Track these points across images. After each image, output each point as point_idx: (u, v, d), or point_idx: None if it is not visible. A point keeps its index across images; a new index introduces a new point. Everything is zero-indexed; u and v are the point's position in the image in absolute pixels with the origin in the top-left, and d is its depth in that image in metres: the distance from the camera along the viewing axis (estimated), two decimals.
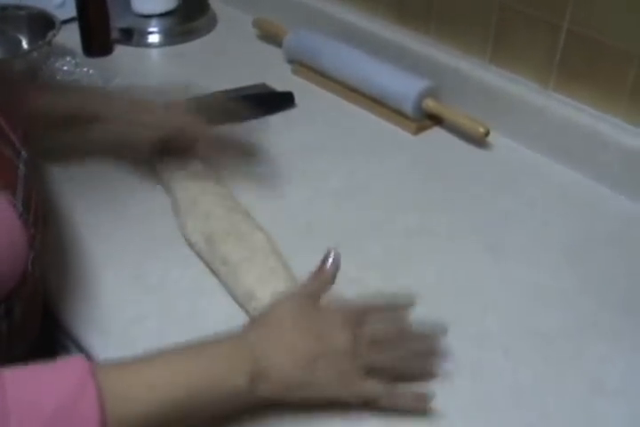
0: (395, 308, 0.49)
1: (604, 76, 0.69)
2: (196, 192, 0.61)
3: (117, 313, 0.53)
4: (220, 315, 0.53)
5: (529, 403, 0.49)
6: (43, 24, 0.81)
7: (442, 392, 0.48)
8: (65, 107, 0.60)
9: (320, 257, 0.57)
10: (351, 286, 0.55)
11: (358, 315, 0.47)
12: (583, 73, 0.70)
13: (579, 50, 0.69)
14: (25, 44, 0.82)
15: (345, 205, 0.65)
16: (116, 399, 0.37)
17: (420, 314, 0.54)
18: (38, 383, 0.36)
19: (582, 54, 0.69)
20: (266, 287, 0.52)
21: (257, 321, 0.47)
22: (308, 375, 0.43)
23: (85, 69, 0.78)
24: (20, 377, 0.36)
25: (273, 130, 0.74)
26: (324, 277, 0.49)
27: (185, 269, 0.57)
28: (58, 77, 0.76)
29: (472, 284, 0.58)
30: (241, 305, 0.54)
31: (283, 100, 0.77)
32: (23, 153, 0.47)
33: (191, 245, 0.58)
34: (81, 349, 0.54)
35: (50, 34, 0.79)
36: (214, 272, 0.56)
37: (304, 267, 0.55)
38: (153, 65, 0.89)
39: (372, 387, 0.45)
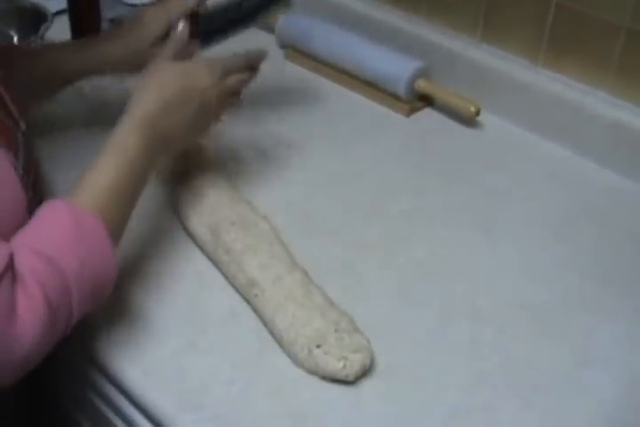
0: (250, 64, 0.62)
1: (591, 51, 0.69)
2: (199, 185, 0.61)
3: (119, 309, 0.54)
4: (221, 307, 0.55)
5: (520, 376, 0.51)
6: (33, 17, 0.81)
7: (436, 367, 0.51)
8: (67, 63, 0.64)
9: (317, 242, 0.60)
10: (348, 270, 0.58)
11: (222, 71, 0.59)
12: (571, 48, 0.71)
13: (567, 25, 0.70)
14: (15, 39, 0.82)
15: (340, 188, 0.67)
16: (99, 209, 0.47)
17: (415, 291, 0.57)
18: (43, 231, 0.45)
19: (571, 29, 0.70)
20: (267, 274, 0.54)
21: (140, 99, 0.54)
22: (193, 134, 0.57)
23: None
24: (29, 235, 0.44)
25: (267, 116, 0.75)
26: (176, 37, 0.62)
27: (186, 264, 0.59)
28: None
29: (465, 261, 0.60)
30: (242, 294, 0.55)
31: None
32: (22, 124, 0.51)
33: (195, 238, 0.60)
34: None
35: (43, 27, 0.79)
36: (217, 264, 0.57)
37: (300, 250, 0.57)
38: None
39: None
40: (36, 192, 0.50)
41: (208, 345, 0.52)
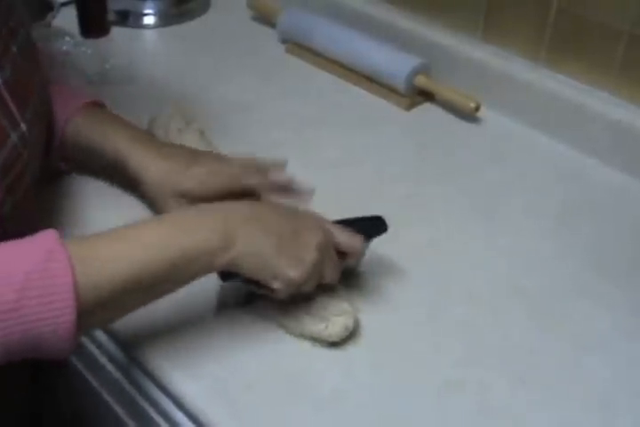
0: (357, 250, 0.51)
1: (593, 52, 0.70)
2: None
3: None
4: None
5: (517, 360, 0.50)
6: (40, 7, 0.82)
7: (431, 344, 0.51)
8: (89, 139, 0.57)
9: None
10: None
11: (332, 243, 0.49)
12: (573, 48, 0.71)
13: (569, 26, 0.70)
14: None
15: (340, 178, 0.67)
16: (87, 262, 0.39)
17: (412, 273, 0.57)
18: (8, 255, 0.37)
19: (572, 30, 0.70)
20: None
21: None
22: (276, 250, 0.45)
23: (84, 49, 0.79)
24: None
25: (267, 107, 0.76)
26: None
27: None
28: (57, 54, 0.77)
29: (462, 248, 0.60)
30: None
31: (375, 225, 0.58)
32: (23, 126, 0.46)
33: None
34: None
35: (49, 15, 0.80)
36: None
37: None
38: (148, 46, 0.91)
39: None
40: (13, 193, 0.44)
41: (202, 308, 0.52)
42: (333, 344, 0.50)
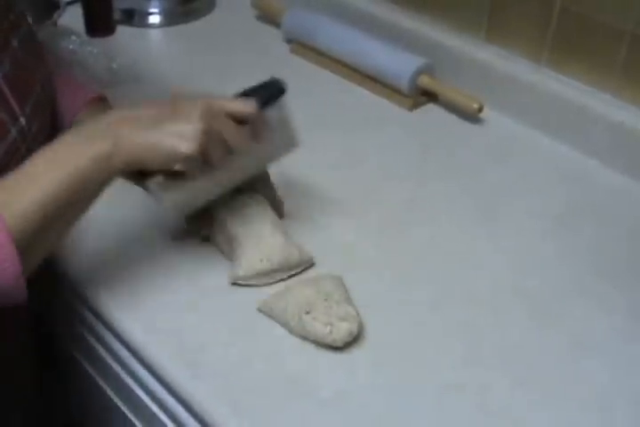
0: (253, 121, 0.50)
1: (595, 53, 0.70)
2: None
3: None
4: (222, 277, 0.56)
5: (516, 359, 0.51)
6: (46, 6, 0.82)
7: (431, 345, 0.51)
8: None
9: (316, 223, 0.60)
10: (347, 251, 0.59)
11: (218, 111, 0.48)
12: (575, 50, 0.72)
13: (571, 27, 0.71)
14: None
15: (342, 177, 0.67)
16: (7, 205, 0.41)
17: (413, 273, 0.57)
18: None
19: (575, 31, 0.71)
20: None
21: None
22: (158, 133, 0.46)
23: (90, 49, 0.80)
24: None
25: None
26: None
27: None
28: (64, 54, 0.78)
29: (463, 248, 0.60)
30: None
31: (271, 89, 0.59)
32: (22, 120, 0.48)
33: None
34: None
35: (55, 14, 0.80)
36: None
37: (300, 230, 0.58)
38: (154, 45, 0.91)
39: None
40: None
41: (207, 309, 0.53)
42: (336, 347, 0.50)
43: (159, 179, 0.49)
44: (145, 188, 0.51)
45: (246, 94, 0.51)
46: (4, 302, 0.43)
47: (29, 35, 0.51)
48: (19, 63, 0.48)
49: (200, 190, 0.52)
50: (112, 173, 0.46)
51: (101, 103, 0.61)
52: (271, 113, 0.52)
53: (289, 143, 0.56)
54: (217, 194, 0.54)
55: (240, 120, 0.49)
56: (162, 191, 0.50)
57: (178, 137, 0.46)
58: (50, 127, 0.54)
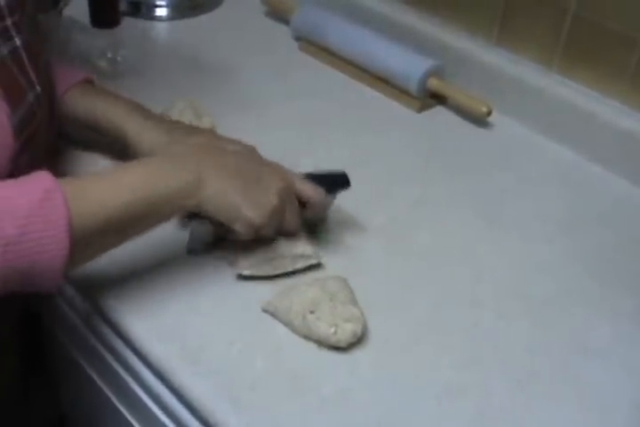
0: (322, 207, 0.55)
1: (606, 60, 0.70)
2: None
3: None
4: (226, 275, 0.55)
5: (518, 362, 0.51)
6: None
7: (433, 346, 0.51)
8: (88, 113, 0.59)
9: (323, 229, 0.60)
10: (351, 251, 0.58)
11: (293, 191, 0.52)
12: (587, 56, 0.71)
13: (583, 33, 0.70)
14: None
15: (349, 176, 0.67)
16: (79, 201, 0.43)
17: (417, 274, 0.57)
18: (8, 193, 0.42)
19: (587, 38, 0.70)
20: None
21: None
22: (240, 194, 0.49)
23: (94, 40, 0.79)
24: None
25: (278, 105, 0.75)
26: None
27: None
28: (69, 45, 0.77)
29: (468, 252, 0.60)
30: None
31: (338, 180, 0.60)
32: (38, 88, 0.49)
33: None
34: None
35: (61, 3, 0.79)
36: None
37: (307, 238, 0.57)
38: (159, 38, 0.90)
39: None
40: (29, 150, 0.48)
41: (211, 307, 0.53)
42: (340, 347, 0.50)
43: (207, 224, 0.52)
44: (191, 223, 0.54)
45: (312, 177, 0.55)
46: (31, 286, 0.43)
47: (32, 12, 0.52)
48: (30, 36, 0.49)
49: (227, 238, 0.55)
50: (180, 211, 0.49)
51: (91, 85, 0.63)
52: (329, 200, 0.57)
53: (320, 222, 0.60)
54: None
55: (303, 200, 0.54)
56: (196, 234, 0.54)
57: (254, 206, 0.49)
58: (50, 100, 0.55)
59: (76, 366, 0.63)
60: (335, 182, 0.56)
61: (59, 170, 0.61)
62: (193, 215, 0.52)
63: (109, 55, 0.79)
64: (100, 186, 0.46)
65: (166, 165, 0.49)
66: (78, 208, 0.43)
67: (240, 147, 0.56)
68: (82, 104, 0.60)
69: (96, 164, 0.64)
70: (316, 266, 0.55)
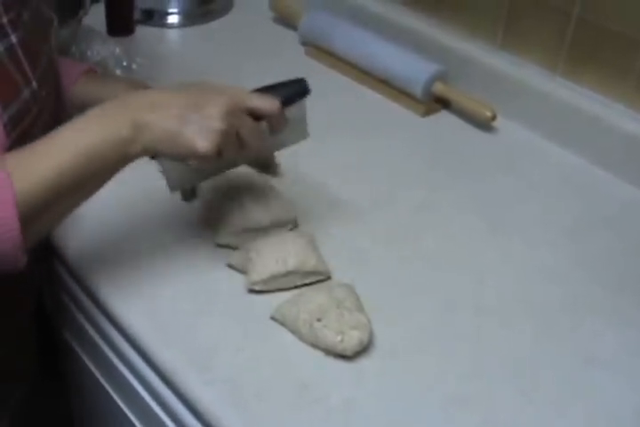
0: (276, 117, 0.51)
1: (611, 64, 0.70)
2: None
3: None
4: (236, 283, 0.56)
5: (524, 372, 0.51)
6: (72, 4, 0.83)
7: (438, 354, 0.51)
8: (99, 98, 0.58)
9: (326, 226, 0.61)
10: (355, 255, 0.59)
11: (240, 109, 0.49)
12: (591, 60, 0.71)
13: (588, 37, 0.70)
14: (56, 22, 0.85)
15: (353, 180, 0.68)
16: (21, 175, 0.43)
17: (421, 279, 0.57)
18: None
19: (591, 41, 0.70)
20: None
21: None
22: (180, 126, 0.47)
23: (111, 48, 0.80)
24: None
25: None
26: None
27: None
28: (88, 53, 0.79)
29: (473, 258, 0.60)
30: None
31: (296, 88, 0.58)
32: (34, 84, 0.49)
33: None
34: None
35: (81, 12, 0.81)
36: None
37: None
38: (172, 45, 0.92)
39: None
40: (26, 142, 0.47)
41: (220, 314, 0.53)
42: (346, 356, 0.51)
43: (170, 162, 0.51)
44: (158, 163, 0.52)
45: (268, 89, 0.52)
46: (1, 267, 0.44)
47: (37, 8, 0.53)
48: (30, 33, 0.50)
49: (205, 172, 0.55)
50: (127, 159, 0.47)
51: (94, 73, 0.64)
52: (291, 111, 0.53)
53: (299, 136, 0.58)
54: (221, 173, 0.57)
55: (259, 115, 0.50)
56: (169, 171, 0.52)
57: (197, 134, 0.47)
58: (55, 95, 0.56)
59: (85, 369, 0.64)
60: (293, 90, 0.53)
61: None
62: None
63: (125, 63, 0.81)
64: (39, 152, 0.45)
65: (97, 114, 0.47)
66: (22, 181, 0.43)
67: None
68: (94, 90, 0.61)
69: None
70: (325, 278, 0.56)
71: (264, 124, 0.51)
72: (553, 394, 0.49)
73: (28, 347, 0.63)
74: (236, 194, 0.59)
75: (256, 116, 0.50)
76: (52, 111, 0.54)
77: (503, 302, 0.56)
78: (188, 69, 0.83)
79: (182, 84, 0.51)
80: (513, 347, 0.53)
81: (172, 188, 0.54)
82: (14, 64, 0.48)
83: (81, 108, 0.60)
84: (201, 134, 0.47)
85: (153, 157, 0.50)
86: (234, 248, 0.58)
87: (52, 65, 0.55)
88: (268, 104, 0.50)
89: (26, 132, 0.49)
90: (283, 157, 0.70)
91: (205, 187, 0.60)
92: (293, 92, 0.53)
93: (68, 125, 0.46)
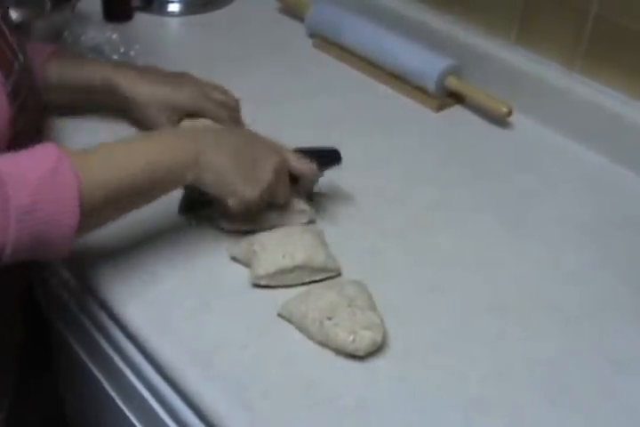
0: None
1: (629, 60, 0.68)
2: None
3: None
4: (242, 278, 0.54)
5: (547, 375, 0.49)
6: None
7: (457, 356, 0.49)
8: (73, 76, 0.63)
9: (339, 224, 0.59)
10: (370, 253, 0.57)
11: (286, 168, 0.55)
12: (609, 56, 0.69)
13: (606, 33, 0.69)
14: (49, 7, 0.81)
15: (365, 177, 0.65)
16: (86, 173, 0.45)
17: (437, 280, 0.55)
18: (20, 162, 0.44)
19: (609, 38, 0.68)
20: None
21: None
22: (236, 171, 0.52)
23: (107, 35, 0.77)
24: (5, 158, 0.44)
25: (292, 103, 0.74)
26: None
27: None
28: (82, 38, 0.76)
29: (490, 257, 0.58)
30: None
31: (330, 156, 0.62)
32: (21, 58, 0.52)
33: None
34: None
35: None
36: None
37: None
38: (171, 34, 0.89)
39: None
40: (24, 114, 0.50)
41: (224, 309, 0.51)
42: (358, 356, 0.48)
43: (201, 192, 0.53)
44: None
45: (305, 152, 0.57)
46: (42, 253, 0.45)
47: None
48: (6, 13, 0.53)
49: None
50: (182, 182, 0.51)
51: (65, 53, 0.66)
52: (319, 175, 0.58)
53: (307, 197, 0.60)
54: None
55: (295, 177, 0.56)
56: (192, 198, 0.56)
57: (249, 181, 0.52)
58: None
59: (81, 366, 0.61)
60: (327, 158, 0.58)
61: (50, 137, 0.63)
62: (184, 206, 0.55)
63: (122, 50, 0.77)
64: (105, 158, 0.48)
65: (171, 138, 0.52)
66: (87, 179, 0.45)
67: (237, 129, 0.61)
68: (67, 70, 0.63)
69: (80, 128, 0.66)
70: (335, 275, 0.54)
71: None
72: (577, 398, 0.47)
73: (13, 319, 0.62)
74: None
75: (293, 176, 0.55)
76: (33, 86, 0.54)
77: (522, 302, 0.54)
78: (187, 58, 0.80)
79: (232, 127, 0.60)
80: (535, 349, 0.50)
81: (181, 209, 0.57)
82: (2, 39, 0.49)
83: (58, 87, 0.62)
84: (252, 181, 0.52)
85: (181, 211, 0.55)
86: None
87: (22, 43, 0.55)
88: (309, 168, 0.56)
89: (23, 105, 0.50)
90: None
91: None
92: (328, 159, 0.59)
93: (143, 138, 0.52)
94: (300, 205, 0.56)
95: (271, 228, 0.55)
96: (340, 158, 0.58)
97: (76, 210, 0.44)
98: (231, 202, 0.52)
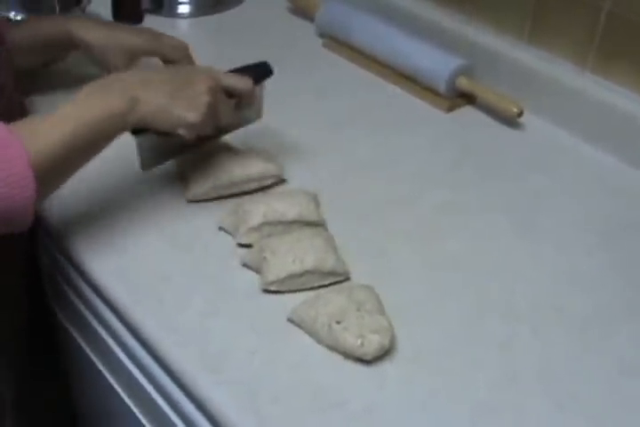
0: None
1: None
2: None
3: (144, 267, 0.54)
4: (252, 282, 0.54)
5: (557, 381, 0.48)
6: None
7: (465, 360, 0.49)
8: (37, 35, 0.65)
9: (348, 226, 0.58)
10: (379, 256, 0.56)
11: (219, 86, 0.56)
12: (622, 56, 0.69)
13: (619, 32, 0.68)
14: (58, 9, 0.82)
15: (374, 178, 0.65)
16: (33, 140, 0.47)
17: (447, 282, 0.55)
18: None
19: (622, 37, 0.68)
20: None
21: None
22: (172, 101, 0.53)
23: None
24: None
25: (302, 103, 0.74)
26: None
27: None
28: None
29: (500, 260, 0.57)
30: None
31: (261, 70, 0.65)
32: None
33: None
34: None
35: (85, 0, 0.78)
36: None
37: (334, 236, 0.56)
38: (182, 35, 0.87)
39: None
40: (3, 96, 0.54)
41: (234, 314, 0.51)
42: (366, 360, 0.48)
43: (153, 136, 0.55)
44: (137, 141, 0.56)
45: (236, 71, 0.59)
46: (7, 227, 0.47)
47: None
48: None
49: (178, 150, 0.60)
50: (122, 129, 0.53)
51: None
52: (256, 91, 0.60)
53: (256, 115, 0.64)
54: (192, 152, 0.61)
55: (233, 93, 0.58)
56: (148, 147, 0.57)
57: (187, 106, 0.54)
58: None
59: (90, 365, 0.62)
60: (259, 72, 0.61)
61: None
62: (137, 131, 0.55)
63: None
64: (47, 122, 0.50)
65: (95, 95, 0.52)
66: (34, 146, 0.47)
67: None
68: (27, 31, 0.66)
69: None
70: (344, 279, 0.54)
71: (232, 101, 0.58)
72: (587, 405, 0.47)
73: (16, 304, 0.63)
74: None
75: (229, 93, 0.57)
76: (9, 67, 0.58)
77: (533, 307, 0.53)
78: (198, 59, 0.80)
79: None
80: (545, 354, 0.50)
81: (145, 166, 0.58)
82: None
83: (23, 51, 0.64)
84: (191, 107, 0.54)
85: (134, 133, 0.55)
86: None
87: None
88: (243, 83, 0.58)
89: (2, 87, 0.54)
90: (299, 150, 0.67)
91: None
92: (260, 73, 0.61)
93: (71, 102, 0.51)
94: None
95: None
96: (271, 70, 0.61)
97: (31, 179, 0.45)
98: (181, 131, 0.54)
